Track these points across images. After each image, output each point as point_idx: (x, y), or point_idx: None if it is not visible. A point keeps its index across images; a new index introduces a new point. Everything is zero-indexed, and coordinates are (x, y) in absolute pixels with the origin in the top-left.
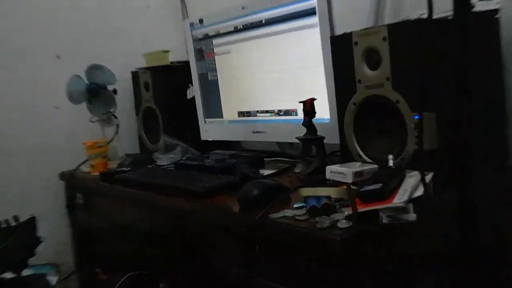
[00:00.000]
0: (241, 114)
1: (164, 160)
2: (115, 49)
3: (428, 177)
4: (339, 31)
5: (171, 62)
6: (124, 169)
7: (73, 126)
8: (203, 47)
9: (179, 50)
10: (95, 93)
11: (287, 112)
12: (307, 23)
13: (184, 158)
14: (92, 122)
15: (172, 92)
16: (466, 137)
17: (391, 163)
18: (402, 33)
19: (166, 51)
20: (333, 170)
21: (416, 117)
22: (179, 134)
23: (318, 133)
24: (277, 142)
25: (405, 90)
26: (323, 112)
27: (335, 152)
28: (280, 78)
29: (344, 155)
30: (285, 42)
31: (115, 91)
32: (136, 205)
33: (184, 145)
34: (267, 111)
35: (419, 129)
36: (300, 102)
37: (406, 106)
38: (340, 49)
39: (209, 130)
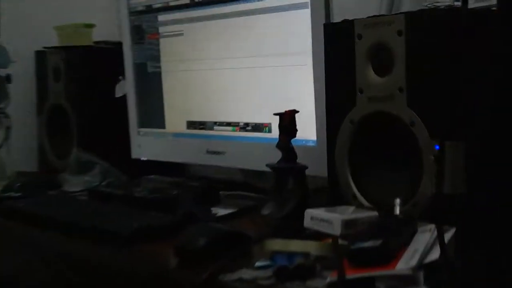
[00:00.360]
0: (192, 125)
1: (74, 184)
2: (13, 16)
3: (449, 234)
4: (338, 17)
5: (96, 42)
6: (13, 194)
7: None
8: (144, 24)
9: (109, 25)
10: None
11: (257, 127)
12: (293, 1)
13: (104, 183)
14: None
15: (93, 86)
16: None
17: (397, 210)
18: (425, 26)
19: (89, 26)
20: (315, 216)
21: (438, 147)
22: (100, 147)
23: (299, 160)
24: (240, 169)
25: (425, 107)
26: (308, 131)
27: (321, 189)
28: (251, 78)
29: (333, 195)
30: (261, 26)
31: (8, 78)
32: (25, 249)
33: (105, 165)
34: (228, 124)
35: (440, 165)
36: (276, 114)
37: (425, 131)
38: (337, 43)
39: (143, 145)
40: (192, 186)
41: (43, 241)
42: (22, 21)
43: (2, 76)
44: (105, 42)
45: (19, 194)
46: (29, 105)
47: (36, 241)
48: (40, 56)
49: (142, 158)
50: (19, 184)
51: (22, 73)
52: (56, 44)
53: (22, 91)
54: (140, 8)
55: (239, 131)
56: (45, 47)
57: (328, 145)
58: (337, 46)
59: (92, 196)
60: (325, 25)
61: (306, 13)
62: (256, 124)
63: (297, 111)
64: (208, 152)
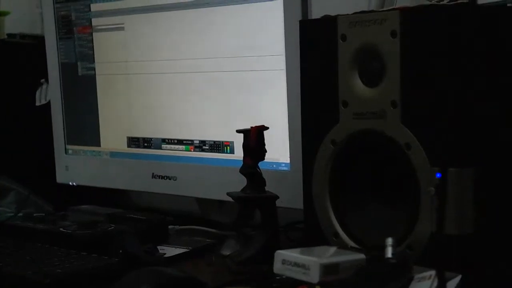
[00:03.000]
0: (134, 142)
1: None
2: None
3: (452, 283)
4: (317, 12)
5: (9, 35)
6: None
7: None
8: (73, 14)
9: (28, 15)
10: None
11: (216, 146)
12: None
13: (20, 214)
14: None
15: (7, 91)
16: None
17: (389, 252)
18: (425, 25)
19: (2, 13)
20: (287, 259)
21: (439, 175)
22: (15, 169)
23: (268, 188)
24: (196, 198)
25: (423, 126)
26: (279, 152)
27: (295, 223)
28: (208, 85)
29: (310, 232)
30: (221, 20)
31: None
32: None
33: (22, 191)
34: (180, 142)
35: (442, 198)
36: (240, 131)
37: (423, 155)
38: (316, 45)
39: (72, 167)
40: (134, 219)
41: None
42: None
43: None
44: (22, 36)
45: None
46: None
47: None
48: None
49: (71, 183)
50: None
51: None
52: None
53: None
54: None
55: (194, 150)
56: None
57: (304, 170)
58: (316, 49)
59: (4, 232)
60: (301, 22)
61: (278, 5)
62: (214, 142)
63: (266, 128)
64: (155, 176)
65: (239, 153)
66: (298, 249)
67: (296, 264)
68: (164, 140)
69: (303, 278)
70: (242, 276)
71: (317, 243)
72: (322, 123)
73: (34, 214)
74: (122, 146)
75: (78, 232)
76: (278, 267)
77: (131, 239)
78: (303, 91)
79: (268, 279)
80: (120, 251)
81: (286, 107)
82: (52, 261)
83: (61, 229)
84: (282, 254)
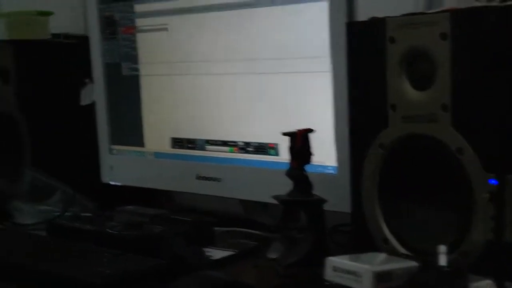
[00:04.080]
0: (178, 143)
1: (28, 215)
2: None
3: None
4: (363, 14)
5: (54, 35)
6: None
7: None
8: (116, 15)
9: (71, 15)
10: None
11: (261, 148)
12: None
13: (67, 214)
14: None
15: (52, 91)
16: None
17: (443, 260)
18: (476, 28)
19: (45, 13)
20: (339, 266)
21: (494, 182)
22: (61, 168)
23: (315, 191)
24: (239, 200)
25: (476, 130)
26: (326, 155)
27: (341, 225)
28: (253, 86)
29: (359, 236)
30: (266, 21)
31: None
32: None
33: (67, 190)
34: (225, 143)
35: (498, 205)
36: (286, 134)
37: (477, 160)
38: (363, 47)
39: (116, 167)
40: (180, 220)
41: None
42: None
43: None
44: (66, 36)
45: None
46: None
47: None
48: None
49: (115, 183)
50: None
51: None
52: (3, 37)
53: None
54: None
55: (238, 152)
56: None
57: (352, 174)
58: (364, 51)
59: (51, 232)
60: (348, 24)
61: (323, 6)
62: (259, 144)
63: (312, 131)
64: (199, 177)
65: (284, 155)
66: (348, 256)
67: (348, 272)
68: (208, 141)
69: (355, 285)
70: (289, 279)
71: (365, 248)
72: (371, 126)
73: (81, 214)
74: (166, 147)
75: (124, 233)
76: (329, 274)
77: (178, 241)
78: (351, 94)
79: (318, 284)
80: (168, 253)
81: (332, 109)
82: (101, 262)
83: (108, 230)
84: (333, 261)
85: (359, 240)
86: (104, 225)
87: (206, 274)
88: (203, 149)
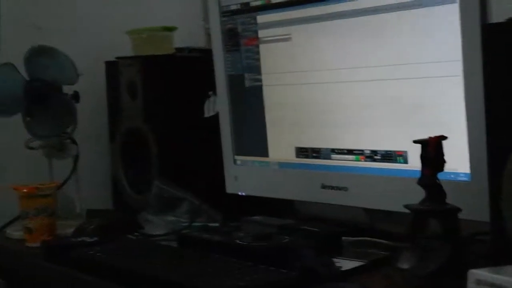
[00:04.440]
0: (303, 153)
1: (157, 226)
2: (78, 20)
3: None
4: (499, 14)
5: (177, 49)
6: (86, 239)
7: None
8: (239, 27)
9: (194, 29)
10: (40, 98)
11: (389, 156)
12: None
13: (194, 224)
14: (32, 149)
15: (177, 104)
16: None
17: None
18: None
19: (170, 29)
20: (483, 279)
21: None
22: (187, 180)
23: (449, 200)
24: (364, 209)
25: None
26: (459, 162)
27: (477, 234)
28: (379, 93)
29: (500, 247)
30: (393, 27)
31: (75, 97)
32: None
33: (194, 201)
34: (350, 152)
35: None
36: (417, 141)
37: None
38: (501, 49)
39: (241, 178)
40: (308, 231)
41: None
42: (88, 26)
43: (68, 94)
44: (190, 49)
45: (93, 239)
46: (99, 129)
47: None
48: (112, 68)
49: (240, 193)
50: (92, 226)
51: (90, 90)
52: (131, 53)
53: (90, 112)
54: (234, 7)
55: (365, 160)
56: (117, 57)
57: (490, 182)
58: (501, 53)
59: (181, 242)
60: (483, 26)
61: (453, 9)
62: (386, 152)
63: (445, 138)
64: (324, 187)
65: (413, 163)
66: (489, 268)
67: (494, 285)
68: (333, 150)
69: None
70: None
71: (507, 260)
72: (510, 132)
73: (209, 225)
74: (291, 157)
75: (254, 244)
76: (472, 287)
77: (308, 252)
78: (488, 98)
79: None
80: (298, 264)
81: (465, 114)
82: (233, 274)
83: (237, 241)
84: (476, 274)
85: (499, 251)
86: (233, 236)
87: (339, 285)
88: (328, 158)
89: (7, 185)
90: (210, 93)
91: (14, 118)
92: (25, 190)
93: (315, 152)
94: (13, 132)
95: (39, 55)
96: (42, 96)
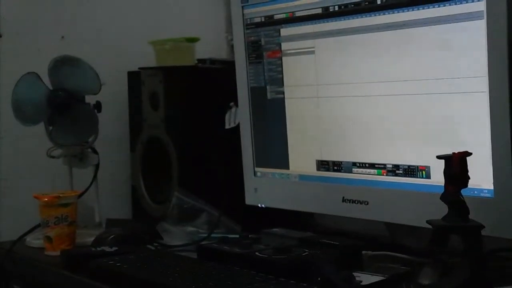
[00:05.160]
0: (324, 166)
1: (177, 236)
2: (103, 31)
3: None
4: None
5: (199, 60)
6: (106, 249)
7: (19, 164)
8: (263, 39)
9: (217, 40)
10: (62, 107)
11: (411, 171)
12: (461, 11)
13: (213, 235)
14: (53, 158)
15: (199, 114)
16: None
17: None
18: None
19: (193, 40)
20: None
21: None
22: (207, 191)
23: (472, 216)
24: (385, 223)
25: None
26: (481, 177)
27: (500, 250)
28: (402, 108)
29: None
30: (418, 42)
31: (98, 106)
32: None
33: (213, 212)
34: (372, 165)
35: None
36: (440, 157)
37: None
38: None
39: (261, 190)
40: (329, 244)
41: None
42: (112, 36)
43: (90, 104)
44: (213, 61)
45: (113, 249)
46: (120, 139)
47: None
48: (134, 78)
49: (260, 205)
50: (112, 236)
51: (112, 100)
52: (153, 64)
53: (112, 121)
54: (258, 20)
55: (386, 175)
56: (140, 68)
57: None
58: None
59: (200, 254)
60: (510, 42)
61: (481, 25)
62: (409, 166)
63: (470, 154)
64: (345, 200)
65: (435, 178)
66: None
67: None
68: (354, 164)
69: None
70: None
71: None
72: None
73: (228, 237)
74: (311, 169)
75: (274, 257)
76: None
77: (328, 266)
78: None
79: None
80: (319, 278)
81: (489, 130)
82: (253, 286)
83: (257, 253)
84: None
85: None
86: (253, 248)
87: None
88: (349, 171)
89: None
90: (231, 104)
91: (36, 127)
92: (46, 199)
93: (336, 166)
94: (35, 141)
95: (62, 64)
96: (65, 105)
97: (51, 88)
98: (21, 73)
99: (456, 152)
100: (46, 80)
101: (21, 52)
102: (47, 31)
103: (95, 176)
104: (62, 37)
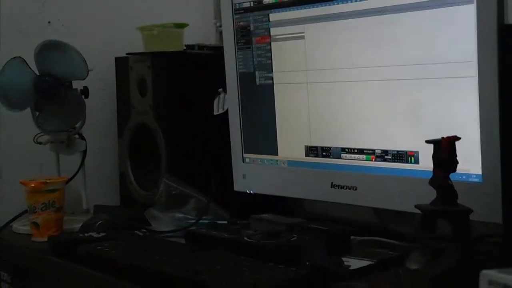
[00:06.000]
0: (313, 151)
1: (165, 222)
2: (90, 16)
3: None
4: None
5: (188, 46)
6: (94, 234)
7: (6, 150)
8: (251, 24)
9: (206, 25)
10: (49, 93)
11: (400, 156)
12: None
13: (201, 222)
14: (40, 144)
15: (187, 100)
16: None
17: None
18: None
19: (181, 26)
20: (496, 280)
21: None
22: (195, 177)
23: (460, 201)
24: (373, 209)
25: None
26: (469, 162)
27: (488, 235)
28: (392, 93)
29: (510, 249)
30: (407, 27)
31: (85, 92)
32: None
33: (201, 198)
34: (361, 151)
35: None
36: (429, 141)
37: None
38: None
39: (249, 176)
40: (318, 229)
41: None
42: (99, 21)
43: (77, 89)
44: (200, 46)
45: (101, 234)
46: (108, 125)
47: None
48: (122, 64)
49: (249, 191)
50: (100, 222)
51: (100, 86)
52: (141, 49)
53: (99, 107)
54: (246, 5)
55: (375, 160)
56: (128, 53)
57: (503, 184)
58: None
59: (188, 239)
60: (502, 27)
61: (470, 10)
62: (398, 152)
63: (458, 138)
64: (334, 186)
65: (424, 164)
66: (502, 269)
67: (506, 286)
68: (343, 149)
69: None
70: None
71: None
72: None
73: (217, 222)
74: (300, 155)
75: (263, 242)
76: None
77: (317, 251)
78: (502, 99)
79: None
80: (307, 262)
81: (478, 115)
82: (242, 271)
83: (246, 238)
84: (489, 275)
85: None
86: (241, 234)
87: (349, 285)
88: (338, 157)
89: (17, 180)
90: (220, 90)
91: (23, 113)
92: (33, 185)
93: (325, 151)
94: (22, 127)
95: (49, 50)
96: (52, 91)
97: (37, 73)
98: (6, 58)
99: (445, 136)
100: (32, 65)
101: (7, 37)
102: (33, 16)
103: (82, 163)
104: (49, 22)
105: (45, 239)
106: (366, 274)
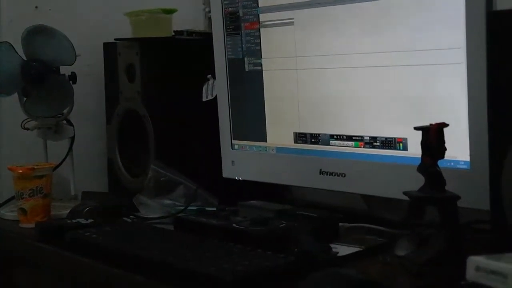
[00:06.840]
0: (301, 138)
1: (153, 209)
2: (78, 1)
3: None
4: (504, 2)
5: (177, 32)
6: (82, 221)
7: None
8: (240, 10)
9: (194, 11)
10: (36, 78)
11: (388, 143)
12: None
13: (190, 208)
14: (27, 129)
15: (175, 87)
16: None
17: None
18: None
19: (170, 11)
20: (482, 266)
21: None
22: (183, 163)
23: (448, 188)
24: (362, 195)
25: None
26: (458, 149)
27: (476, 222)
28: (380, 79)
29: (498, 235)
30: (396, 13)
31: (73, 78)
32: None
33: (190, 185)
34: (350, 138)
35: None
36: (418, 128)
37: None
38: (505, 38)
39: (238, 162)
40: (304, 216)
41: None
42: (87, 6)
43: (65, 75)
44: (190, 32)
45: (88, 221)
46: (96, 111)
47: (110, 282)
48: (110, 49)
49: (237, 178)
50: (88, 208)
51: (88, 72)
52: (129, 35)
53: (87, 93)
54: None
55: (364, 147)
56: (116, 39)
57: (491, 171)
58: (507, 41)
59: (177, 226)
60: (490, 14)
61: None
62: (386, 138)
63: (447, 125)
64: (323, 173)
65: (412, 150)
66: (489, 255)
67: (493, 272)
68: (332, 136)
69: (501, 287)
70: (425, 280)
71: (506, 248)
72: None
73: (206, 209)
74: (289, 142)
75: (252, 228)
76: (471, 274)
77: (305, 237)
78: (490, 86)
79: (456, 285)
80: (296, 249)
81: (466, 102)
82: (230, 258)
83: (234, 225)
84: (476, 261)
85: (499, 240)
86: (230, 220)
87: (337, 271)
88: (327, 144)
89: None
90: (209, 76)
91: (10, 98)
92: (20, 171)
93: (314, 138)
94: (9, 113)
95: (36, 34)
96: (39, 76)
97: (24, 58)
98: None
99: (433, 123)
100: (19, 50)
101: None
102: (20, 1)
103: (70, 149)
104: (36, 7)
105: (33, 225)
106: (354, 260)
